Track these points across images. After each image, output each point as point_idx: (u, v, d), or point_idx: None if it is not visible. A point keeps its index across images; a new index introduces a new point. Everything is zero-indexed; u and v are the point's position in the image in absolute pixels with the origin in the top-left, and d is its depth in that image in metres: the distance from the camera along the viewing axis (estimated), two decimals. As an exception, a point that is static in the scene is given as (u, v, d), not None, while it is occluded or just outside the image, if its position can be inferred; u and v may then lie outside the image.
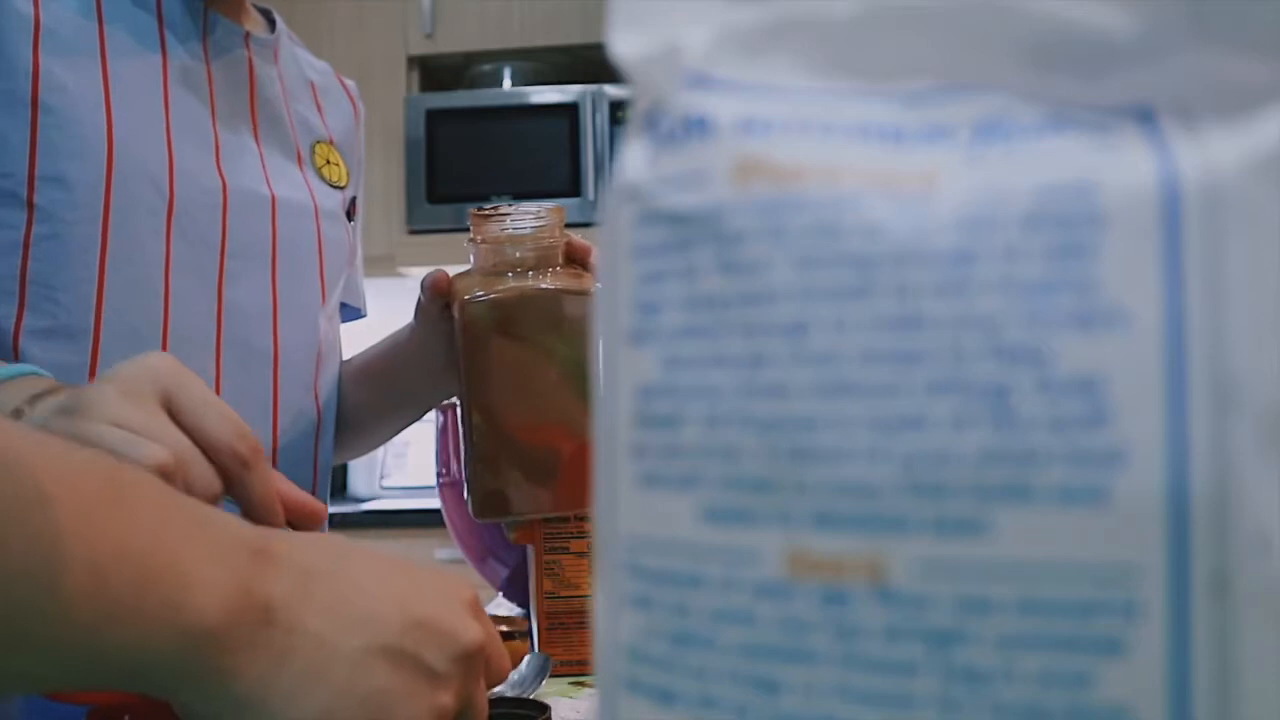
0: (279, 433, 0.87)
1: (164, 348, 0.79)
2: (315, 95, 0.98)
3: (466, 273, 0.80)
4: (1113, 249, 0.24)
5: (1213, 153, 0.24)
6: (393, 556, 0.48)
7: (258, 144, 0.88)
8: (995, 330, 0.24)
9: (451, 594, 0.47)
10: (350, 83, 1.06)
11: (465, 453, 0.80)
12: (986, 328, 0.24)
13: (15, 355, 0.75)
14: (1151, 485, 0.23)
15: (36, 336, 0.75)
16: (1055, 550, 0.23)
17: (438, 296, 0.82)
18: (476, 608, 0.47)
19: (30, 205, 0.74)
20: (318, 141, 0.95)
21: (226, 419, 0.54)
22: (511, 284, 0.77)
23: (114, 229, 0.76)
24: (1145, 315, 0.23)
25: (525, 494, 0.79)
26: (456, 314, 0.77)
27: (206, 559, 0.39)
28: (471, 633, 0.46)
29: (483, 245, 0.78)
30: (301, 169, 0.92)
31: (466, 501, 0.82)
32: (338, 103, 1.01)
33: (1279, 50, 0.24)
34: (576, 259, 0.80)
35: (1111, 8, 0.25)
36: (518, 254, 0.77)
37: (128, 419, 0.51)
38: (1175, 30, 0.25)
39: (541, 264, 0.78)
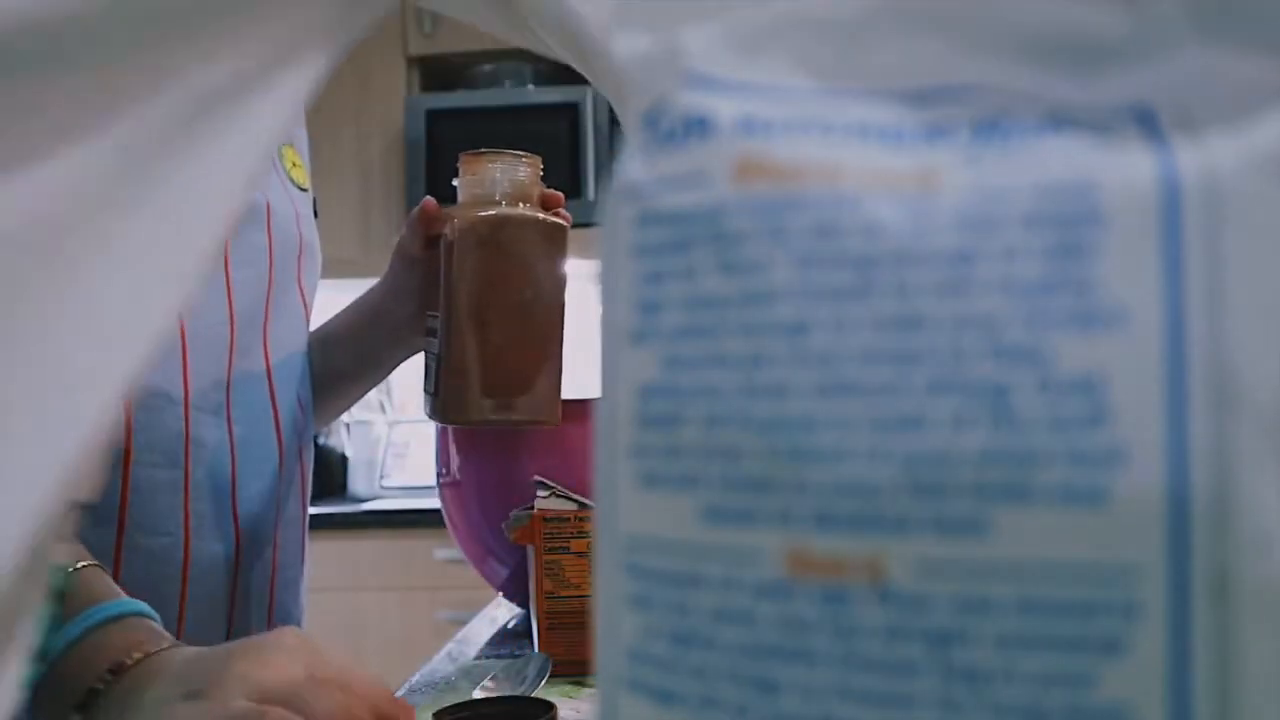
0: (282, 438, 0.87)
1: (184, 361, 0.78)
2: None
3: (456, 205, 0.89)
4: (1112, 249, 0.23)
5: (1213, 153, 0.24)
6: None
7: None
8: (995, 330, 0.24)
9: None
10: None
11: (435, 358, 0.87)
12: (986, 328, 0.24)
13: None
14: (1151, 485, 0.23)
15: None
16: (1055, 550, 0.23)
17: (426, 220, 0.90)
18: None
19: None
20: (282, 144, 0.95)
21: (374, 683, 0.55)
22: (499, 209, 0.87)
23: None
24: (1145, 315, 0.23)
25: (491, 400, 0.86)
26: (448, 232, 0.85)
27: None
28: None
29: (470, 178, 0.88)
30: (277, 174, 0.91)
31: (426, 404, 0.89)
32: None
33: (1279, 50, 0.24)
34: (548, 207, 0.90)
35: (1111, 8, 0.25)
36: (502, 187, 0.88)
37: (279, 690, 0.50)
38: (1175, 30, 0.25)
39: (522, 200, 0.89)
